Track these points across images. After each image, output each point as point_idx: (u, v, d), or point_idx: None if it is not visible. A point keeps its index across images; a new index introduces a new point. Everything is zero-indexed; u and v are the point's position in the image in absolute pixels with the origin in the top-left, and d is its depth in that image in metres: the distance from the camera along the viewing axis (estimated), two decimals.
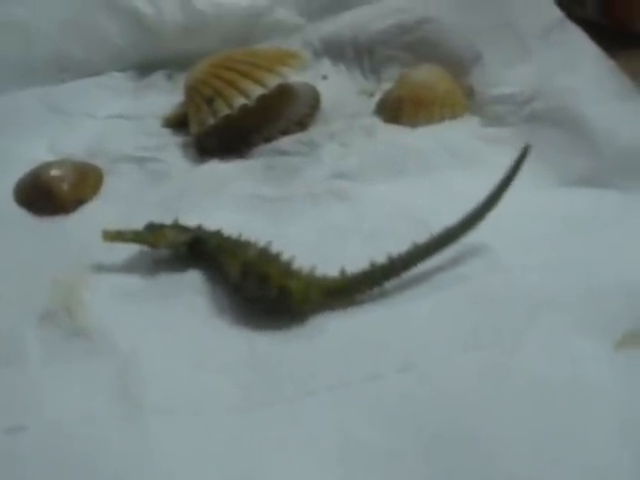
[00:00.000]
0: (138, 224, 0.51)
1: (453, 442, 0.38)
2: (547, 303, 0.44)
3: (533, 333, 0.43)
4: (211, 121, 0.58)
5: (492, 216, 0.47)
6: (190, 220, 0.51)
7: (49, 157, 0.60)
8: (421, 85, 0.61)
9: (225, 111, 0.58)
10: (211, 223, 0.50)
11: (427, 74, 0.62)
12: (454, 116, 0.61)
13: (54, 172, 0.57)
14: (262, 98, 0.58)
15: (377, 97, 0.64)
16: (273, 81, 0.59)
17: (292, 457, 0.39)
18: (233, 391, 0.42)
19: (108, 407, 0.42)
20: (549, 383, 0.40)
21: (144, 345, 0.45)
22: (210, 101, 0.59)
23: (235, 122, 0.58)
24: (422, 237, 0.46)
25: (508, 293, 0.45)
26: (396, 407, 0.40)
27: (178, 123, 0.63)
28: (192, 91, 0.60)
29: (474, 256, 0.47)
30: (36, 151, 0.61)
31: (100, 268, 0.50)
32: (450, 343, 0.43)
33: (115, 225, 0.50)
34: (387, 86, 0.64)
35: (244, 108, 0.58)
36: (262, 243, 0.47)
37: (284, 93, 0.61)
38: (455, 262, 0.47)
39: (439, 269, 0.47)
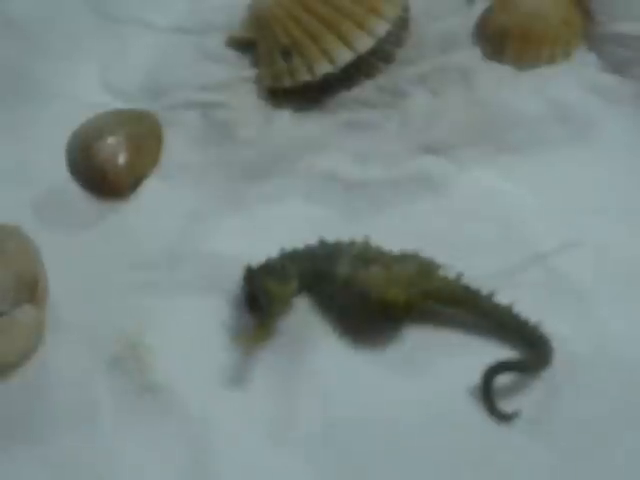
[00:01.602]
0: (204, 218, 0.51)
1: None
2: None
3: None
4: (287, 82, 0.54)
5: None
6: (259, 211, 0.51)
7: (102, 98, 0.57)
8: (531, 15, 0.54)
9: (305, 76, 0.53)
10: (283, 215, 0.50)
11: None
12: (567, 54, 0.54)
13: (108, 142, 0.53)
14: None
15: (479, 7, 0.57)
16: (363, 43, 0.53)
17: None
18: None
19: None
20: None
21: (217, 411, 0.45)
22: (286, 54, 0.54)
23: (315, 84, 0.54)
24: (515, 250, 0.47)
25: None
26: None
27: (246, 44, 0.58)
28: (263, 26, 0.55)
29: None
30: (87, 86, 0.58)
31: (166, 298, 0.49)
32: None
33: (176, 219, 0.51)
34: None
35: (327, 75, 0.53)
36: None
37: None
38: None
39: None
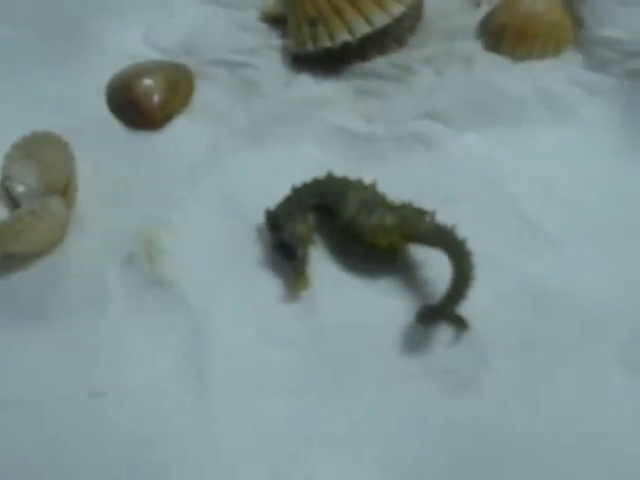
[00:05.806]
0: (226, 150, 0.57)
1: None
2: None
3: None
4: (310, 47, 0.60)
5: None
6: (276, 149, 0.57)
7: (144, 50, 0.64)
8: (527, 14, 0.61)
9: (326, 43, 0.60)
10: (296, 155, 0.56)
11: (536, 1, 0.61)
12: (557, 52, 0.61)
13: (145, 82, 0.60)
14: None
15: (483, 9, 0.64)
16: (380, 20, 0.60)
17: (334, 447, 0.45)
18: (296, 371, 0.48)
19: (176, 377, 0.48)
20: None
21: (217, 307, 0.50)
22: (312, 24, 0.60)
23: (334, 52, 0.60)
24: (497, 204, 0.53)
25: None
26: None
27: (277, 20, 0.65)
28: (293, 1, 0.62)
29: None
30: (131, 41, 0.65)
31: (183, 211, 0.55)
32: None
33: (200, 149, 0.57)
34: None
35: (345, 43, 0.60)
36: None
37: None
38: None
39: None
